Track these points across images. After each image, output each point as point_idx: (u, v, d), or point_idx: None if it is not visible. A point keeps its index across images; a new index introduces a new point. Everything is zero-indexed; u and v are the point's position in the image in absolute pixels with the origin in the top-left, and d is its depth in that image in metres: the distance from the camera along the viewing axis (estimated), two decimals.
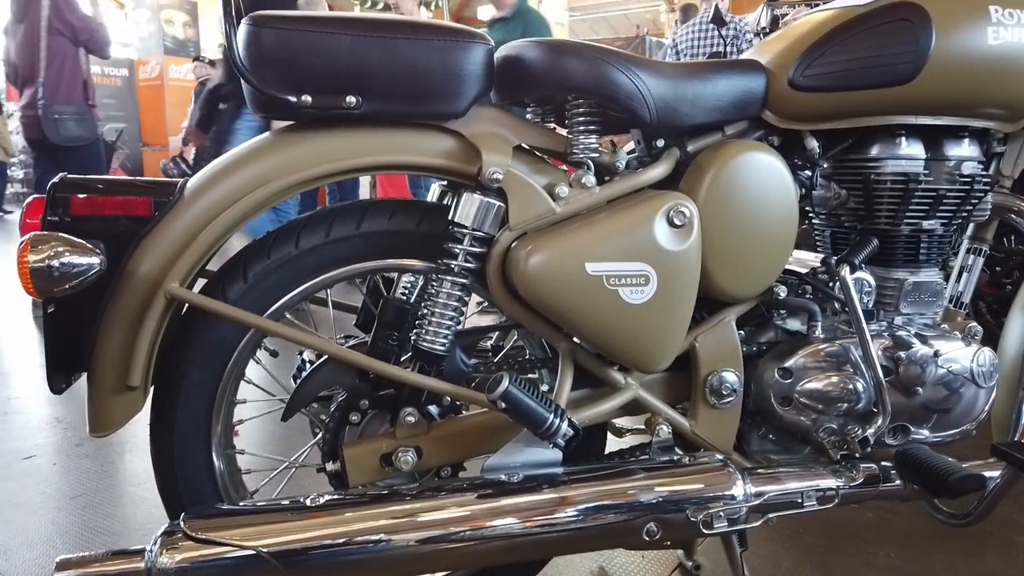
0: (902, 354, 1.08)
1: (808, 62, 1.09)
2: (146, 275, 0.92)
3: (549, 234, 0.98)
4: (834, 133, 1.14)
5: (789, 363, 1.10)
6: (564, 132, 1.08)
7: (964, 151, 1.16)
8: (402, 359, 1.05)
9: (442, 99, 0.97)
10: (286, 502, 0.93)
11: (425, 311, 1.01)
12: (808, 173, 1.18)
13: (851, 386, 1.08)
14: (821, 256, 1.15)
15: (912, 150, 1.14)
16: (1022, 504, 1.62)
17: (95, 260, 0.88)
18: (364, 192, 5.47)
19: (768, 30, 3.40)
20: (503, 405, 0.90)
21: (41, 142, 3.67)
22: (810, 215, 1.25)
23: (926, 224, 1.15)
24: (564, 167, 1.08)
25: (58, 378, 0.94)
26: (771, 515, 1.01)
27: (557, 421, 0.92)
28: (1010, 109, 1.13)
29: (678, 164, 1.09)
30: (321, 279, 1.02)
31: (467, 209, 0.98)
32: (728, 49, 4.34)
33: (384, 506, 0.93)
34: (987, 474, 1.04)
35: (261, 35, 0.92)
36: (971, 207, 1.18)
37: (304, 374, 1.03)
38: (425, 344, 1.00)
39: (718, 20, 3.64)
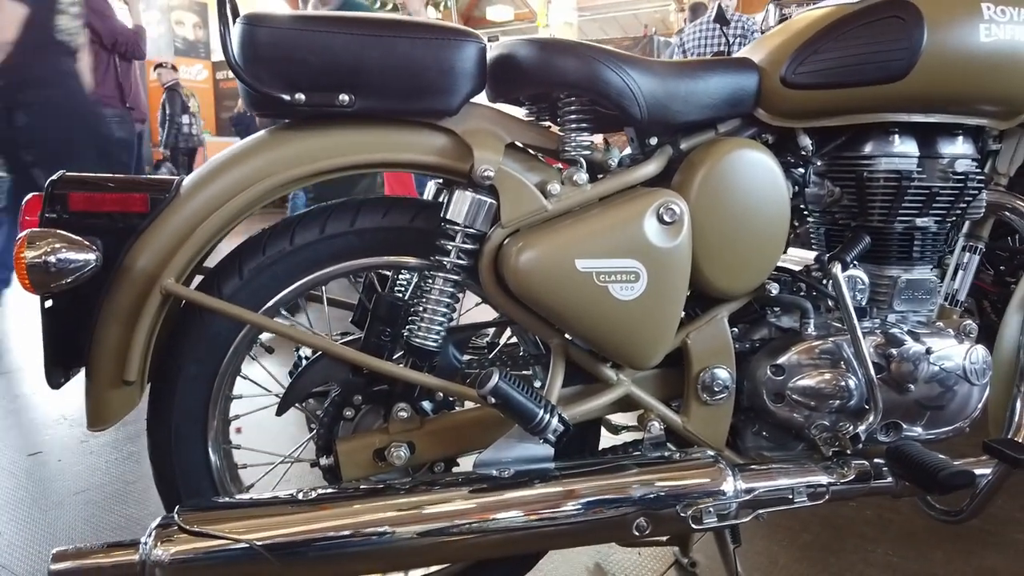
0: (894, 351, 1.09)
1: (801, 59, 1.09)
2: (142, 271, 0.94)
3: (540, 231, 0.98)
4: (828, 130, 1.14)
5: (781, 360, 1.10)
6: (557, 130, 1.08)
7: (958, 149, 1.16)
8: (396, 355, 1.06)
9: (434, 97, 0.98)
10: (280, 496, 0.95)
11: (418, 307, 1.02)
12: (802, 170, 1.18)
13: (843, 383, 1.08)
14: (816, 253, 1.16)
15: (905, 147, 1.14)
16: (1022, 501, 1.62)
17: (91, 256, 0.89)
18: None
19: None
20: (493, 400, 0.91)
21: None
22: (804, 212, 1.25)
23: (919, 222, 1.15)
24: (558, 165, 1.08)
25: (56, 372, 0.95)
26: (761, 511, 1.01)
27: (547, 417, 0.93)
28: (1003, 106, 1.13)
29: (671, 161, 1.10)
30: (316, 276, 1.04)
31: (459, 206, 0.99)
32: (734, 48, 4.34)
33: (377, 500, 0.94)
34: (978, 471, 1.04)
35: (255, 34, 0.94)
36: (965, 205, 1.17)
37: (299, 370, 1.04)
38: (417, 340, 1.01)
39: (721, 19, 3.65)
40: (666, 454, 1.05)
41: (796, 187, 1.16)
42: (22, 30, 2.49)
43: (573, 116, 1.05)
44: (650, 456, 1.05)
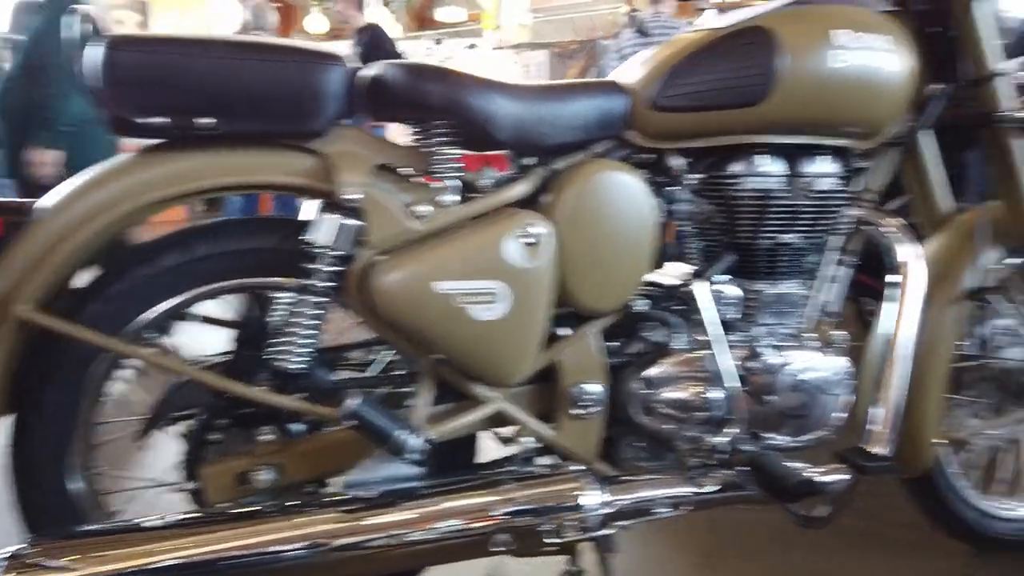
0: (755, 364, 1.13)
1: (671, 83, 1.13)
2: None
3: (403, 253, 1.00)
4: (699, 151, 1.17)
5: (649, 373, 1.13)
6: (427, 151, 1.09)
7: (822, 168, 1.20)
8: (264, 377, 1.06)
9: (299, 119, 0.99)
10: (140, 523, 0.94)
11: (282, 328, 1.02)
12: (676, 189, 1.22)
13: (705, 395, 1.12)
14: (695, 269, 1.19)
15: (771, 167, 1.18)
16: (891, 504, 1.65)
17: None
18: None
19: None
20: (352, 422, 0.92)
21: None
22: (678, 230, 1.29)
23: (785, 238, 1.19)
24: (440, 183, 1.09)
25: None
26: (624, 522, 1.04)
27: (404, 436, 0.94)
28: (863, 127, 1.18)
29: (544, 181, 1.12)
30: (183, 298, 1.03)
31: (322, 228, 0.99)
32: None
33: (239, 525, 0.94)
34: (830, 478, 1.08)
35: (116, 57, 0.93)
36: (829, 221, 1.22)
37: (161, 394, 1.03)
38: (279, 362, 1.01)
39: (641, 30, 3.71)
40: (534, 469, 1.07)
41: (670, 205, 1.20)
42: None
43: (441, 138, 1.06)
44: (519, 471, 1.07)
